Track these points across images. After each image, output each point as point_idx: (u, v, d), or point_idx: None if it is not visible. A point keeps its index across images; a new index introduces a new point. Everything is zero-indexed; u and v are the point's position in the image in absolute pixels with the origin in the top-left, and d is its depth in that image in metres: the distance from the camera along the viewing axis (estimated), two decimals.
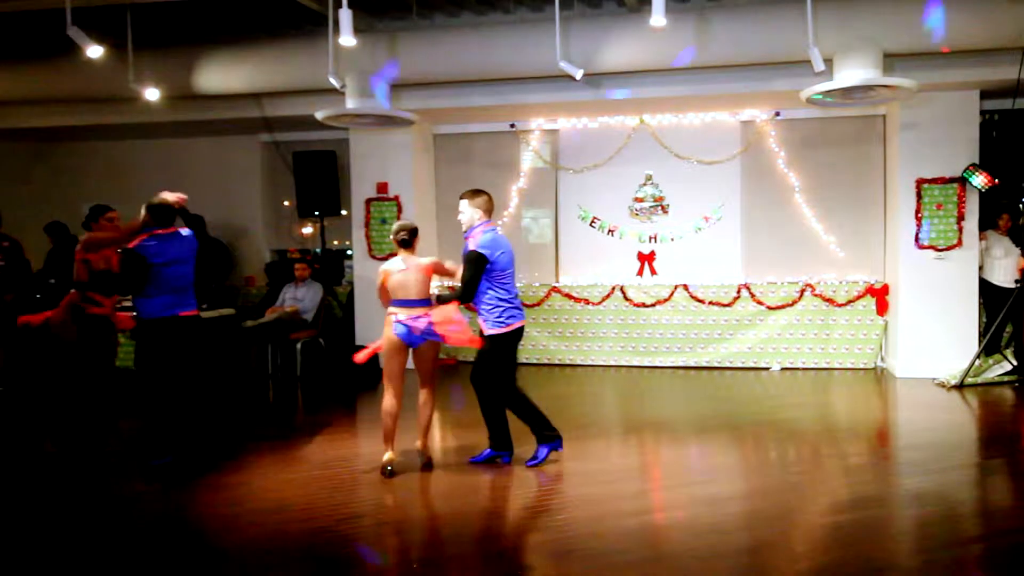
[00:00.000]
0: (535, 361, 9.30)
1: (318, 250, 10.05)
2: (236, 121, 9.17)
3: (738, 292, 8.83)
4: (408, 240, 5.26)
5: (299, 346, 8.60)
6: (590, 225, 9.41)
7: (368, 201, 9.22)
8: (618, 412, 7.34)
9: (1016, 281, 7.88)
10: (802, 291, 8.67)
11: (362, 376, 8.65)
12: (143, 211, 5.49)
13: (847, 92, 6.48)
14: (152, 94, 7.39)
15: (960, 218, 7.99)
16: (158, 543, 4.24)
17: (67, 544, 4.17)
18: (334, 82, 6.67)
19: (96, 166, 10.71)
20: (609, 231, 9.35)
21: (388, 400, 5.18)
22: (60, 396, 7.18)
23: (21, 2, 6.57)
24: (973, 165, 7.70)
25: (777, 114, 8.83)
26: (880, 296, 8.50)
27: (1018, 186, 7.94)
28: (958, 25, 6.50)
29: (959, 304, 8.04)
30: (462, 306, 5.27)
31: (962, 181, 7.85)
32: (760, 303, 8.78)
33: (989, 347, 7.82)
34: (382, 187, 9.17)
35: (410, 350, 5.21)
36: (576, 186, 9.40)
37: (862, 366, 8.58)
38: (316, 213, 9.45)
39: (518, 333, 5.26)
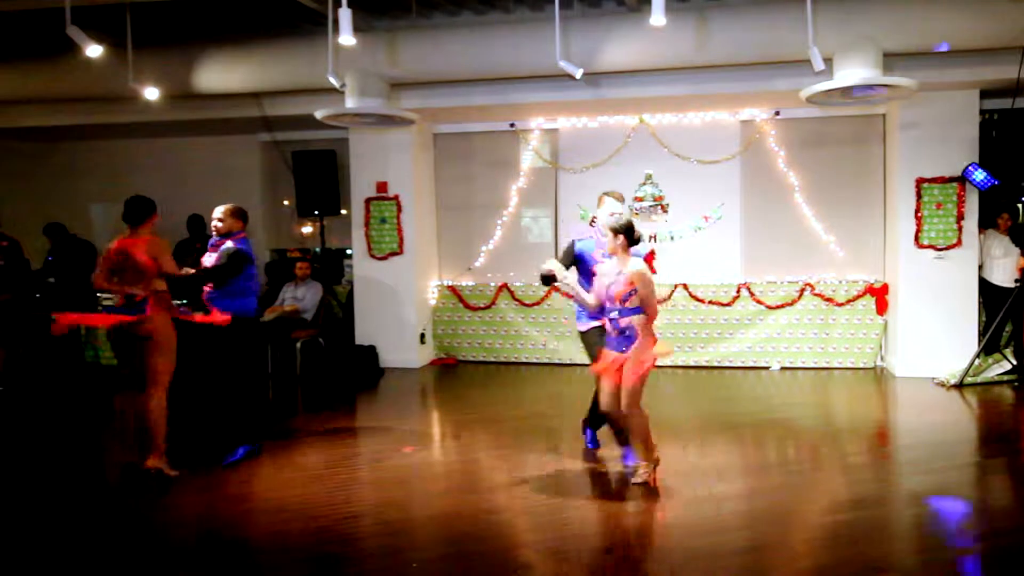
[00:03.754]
0: (535, 360, 9.31)
1: (318, 249, 10.05)
2: (236, 121, 9.17)
3: (738, 291, 8.83)
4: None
5: (299, 345, 8.60)
6: (590, 224, 9.39)
7: (368, 200, 9.22)
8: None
9: (1016, 281, 7.88)
10: (802, 290, 8.67)
11: (362, 376, 8.67)
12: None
13: (847, 91, 6.49)
14: (152, 93, 7.39)
15: (960, 217, 7.98)
16: (158, 543, 4.24)
17: (67, 543, 4.17)
18: (334, 81, 6.67)
19: (96, 166, 10.71)
20: None
21: None
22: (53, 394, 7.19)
23: (21, 2, 6.57)
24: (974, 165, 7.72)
25: (777, 113, 8.83)
26: (880, 295, 8.51)
27: (1018, 185, 7.94)
28: (958, 25, 6.51)
29: (959, 304, 8.04)
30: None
31: (962, 180, 7.85)
32: (760, 302, 8.78)
33: (988, 346, 7.82)
34: (382, 186, 9.17)
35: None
36: (576, 185, 9.39)
37: (862, 365, 8.58)
38: (316, 212, 9.45)
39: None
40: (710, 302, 8.85)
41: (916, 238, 8.08)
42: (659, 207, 9.23)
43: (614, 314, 4.67)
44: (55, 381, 8.13)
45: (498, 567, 3.80)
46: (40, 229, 9.46)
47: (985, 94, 7.90)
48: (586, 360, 9.03)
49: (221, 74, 7.84)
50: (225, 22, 7.66)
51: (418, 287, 9.31)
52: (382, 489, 5.02)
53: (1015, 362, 7.72)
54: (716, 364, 8.84)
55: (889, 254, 8.56)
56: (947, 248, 8.03)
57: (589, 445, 5.63)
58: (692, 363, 8.89)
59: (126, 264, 5.02)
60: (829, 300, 8.62)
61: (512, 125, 9.39)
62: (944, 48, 6.51)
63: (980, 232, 8.15)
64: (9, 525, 4.49)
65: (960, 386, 7.50)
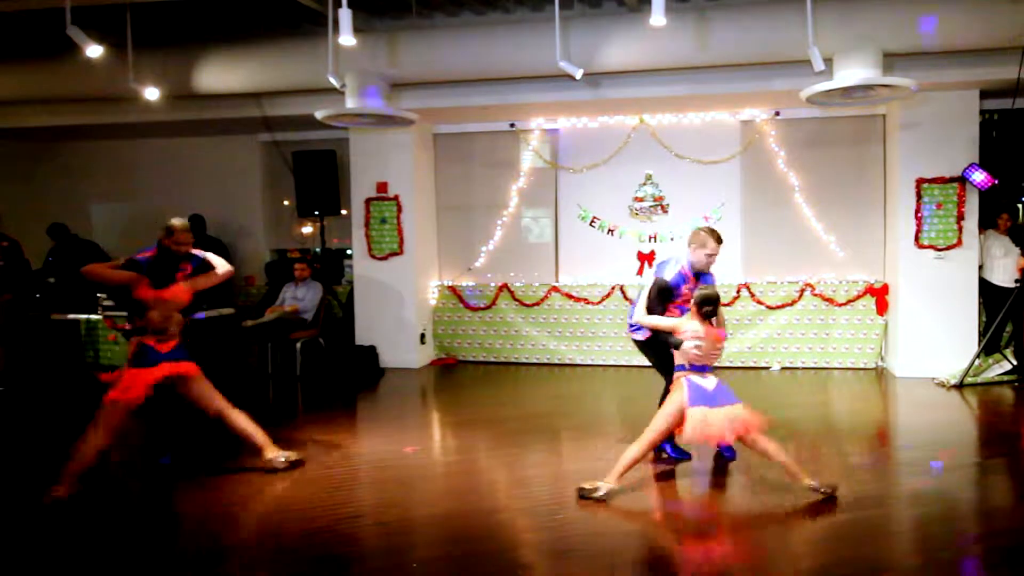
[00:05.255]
0: (535, 361, 9.31)
1: (318, 250, 10.05)
2: (236, 121, 9.17)
3: (738, 292, 8.83)
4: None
5: (299, 346, 8.60)
6: (590, 225, 9.41)
7: (368, 201, 9.22)
8: (618, 412, 7.33)
9: (1016, 281, 7.88)
10: (802, 291, 8.67)
11: (362, 376, 8.67)
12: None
13: (847, 92, 6.49)
14: (152, 94, 7.39)
15: (960, 217, 7.98)
16: (158, 543, 4.24)
17: (67, 543, 4.17)
18: (334, 82, 6.67)
19: (96, 166, 10.72)
20: (609, 231, 9.35)
21: None
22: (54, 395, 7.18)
23: (21, 2, 6.57)
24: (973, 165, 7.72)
25: (777, 114, 8.83)
26: (880, 296, 8.51)
27: (1018, 186, 7.94)
28: (958, 25, 6.51)
29: (959, 304, 8.04)
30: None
31: (962, 180, 7.85)
32: (760, 303, 8.78)
33: (989, 347, 7.82)
34: (382, 187, 9.17)
35: None
36: (576, 186, 9.40)
37: (862, 366, 8.58)
38: (316, 213, 9.44)
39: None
40: None
41: (916, 238, 8.08)
42: (659, 207, 9.23)
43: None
44: (55, 381, 8.12)
45: (498, 567, 3.80)
46: (40, 229, 9.47)
47: (985, 94, 7.90)
48: (590, 360, 9.11)
49: (221, 74, 7.84)
50: (225, 22, 7.67)
51: (418, 287, 9.31)
52: (382, 489, 5.01)
53: (1015, 362, 7.72)
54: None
55: (889, 254, 8.56)
56: (947, 248, 8.03)
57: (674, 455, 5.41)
58: None
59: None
60: (829, 300, 8.62)
61: (512, 125, 9.40)
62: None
63: (980, 232, 8.15)
64: (9, 525, 4.49)
65: (960, 386, 7.50)
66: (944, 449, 5.63)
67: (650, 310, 5.00)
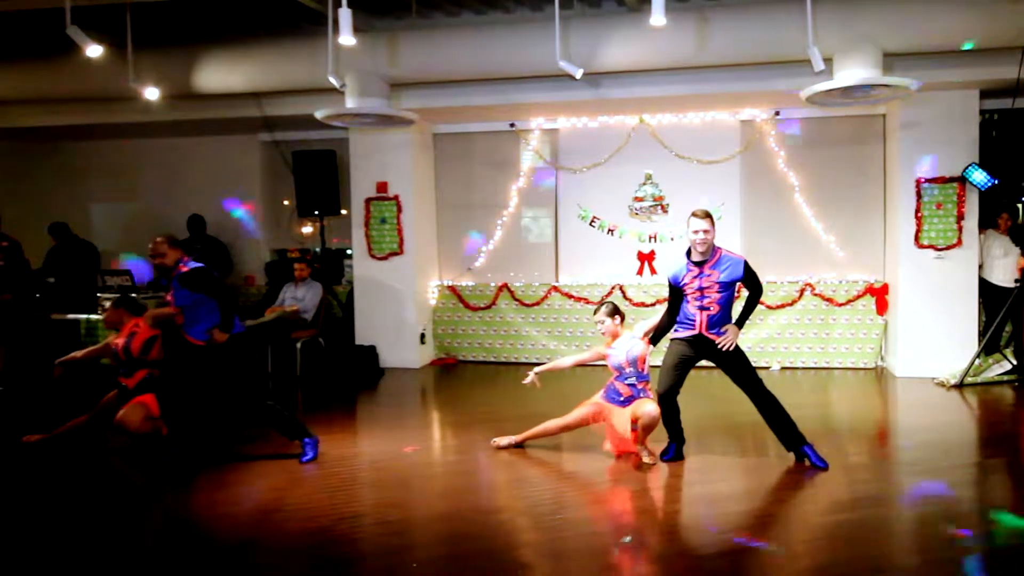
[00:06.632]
0: (535, 361, 9.29)
1: (318, 249, 10.05)
2: (236, 121, 9.18)
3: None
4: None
5: (299, 345, 8.60)
6: (590, 224, 9.41)
7: (368, 200, 9.22)
8: None
9: (1016, 281, 7.88)
10: (802, 291, 8.68)
11: (362, 376, 8.67)
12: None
13: (847, 91, 6.49)
14: (152, 93, 7.39)
15: (960, 217, 7.98)
16: (157, 542, 4.24)
17: (67, 543, 4.17)
18: (334, 81, 6.68)
19: (96, 166, 10.72)
20: (609, 230, 9.35)
21: None
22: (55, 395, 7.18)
23: (21, 2, 6.58)
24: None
25: (777, 113, 8.83)
26: (880, 296, 8.51)
27: (1018, 185, 7.94)
28: (958, 25, 6.52)
29: (959, 304, 8.04)
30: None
31: (962, 180, 7.85)
32: (760, 302, 8.75)
33: (989, 346, 7.82)
34: (382, 186, 9.17)
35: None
36: (576, 185, 9.40)
37: (862, 366, 8.58)
38: (316, 212, 9.45)
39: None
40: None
41: (916, 238, 8.08)
42: (659, 207, 9.23)
43: (632, 379, 5.45)
44: (55, 381, 8.12)
45: (498, 567, 3.80)
46: (40, 229, 9.46)
47: (985, 94, 7.90)
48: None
49: (221, 74, 7.85)
50: (225, 22, 7.67)
51: (418, 287, 9.32)
52: (382, 489, 5.01)
53: (1015, 362, 7.72)
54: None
55: (889, 254, 8.56)
56: (947, 248, 8.03)
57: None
58: None
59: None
60: (829, 300, 8.62)
61: (512, 125, 9.40)
62: None
63: (980, 232, 8.15)
64: (9, 525, 4.49)
65: (960, 386, 7.50)
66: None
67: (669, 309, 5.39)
